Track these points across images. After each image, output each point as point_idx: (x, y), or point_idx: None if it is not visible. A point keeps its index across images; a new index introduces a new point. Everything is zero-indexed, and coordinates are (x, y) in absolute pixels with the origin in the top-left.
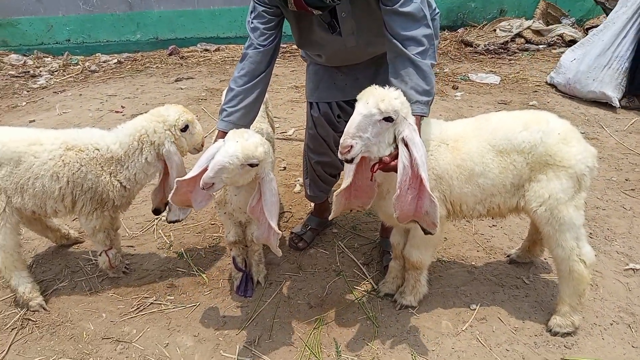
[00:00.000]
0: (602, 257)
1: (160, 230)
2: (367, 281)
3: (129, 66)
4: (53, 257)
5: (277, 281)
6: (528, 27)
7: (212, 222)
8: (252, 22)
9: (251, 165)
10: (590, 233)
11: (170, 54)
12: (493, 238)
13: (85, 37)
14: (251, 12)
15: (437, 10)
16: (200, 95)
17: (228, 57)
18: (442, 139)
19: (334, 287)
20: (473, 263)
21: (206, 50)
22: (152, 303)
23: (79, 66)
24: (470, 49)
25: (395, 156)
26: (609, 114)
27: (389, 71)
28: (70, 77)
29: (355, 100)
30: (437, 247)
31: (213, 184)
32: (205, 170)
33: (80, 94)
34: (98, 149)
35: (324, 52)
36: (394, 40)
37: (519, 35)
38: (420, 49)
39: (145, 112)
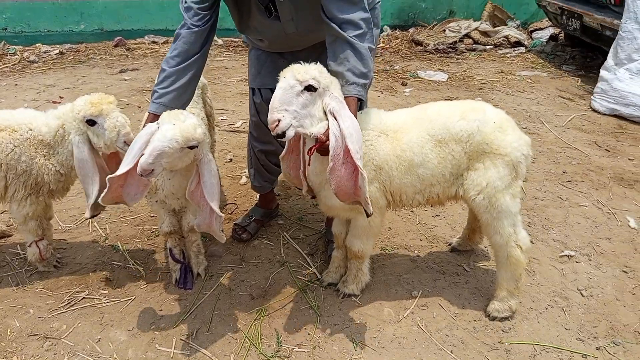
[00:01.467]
0: (539, 244)
1: (95, 223)
2: (312, 271)
3: (71, 57)
4: None
5: (218, 273)
6: (476, 29)
7: (152, 215)
8: (185, 2)
9: (190, 147)
10: (529, 222)
11: (116, 45)
12: (436, 227)
13: (24, 26)
14: None
15: (378, 0)
16: (144, 87)
17: None
18: (382, 130)
19: (278, 277)
20: (416, 252)
21: (154, 42)
22: (84, 297)
23: (16, 56)
24: (421, 48)
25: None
26: (549, 110)
27: (328, 55)
28: (7, 67)
29: None
30: (378, 236)
31: (152, 170)
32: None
33: (16, 84)
34: (31, 129)
35: (265, 37)
36: (332, 24)
37: (467, 36)
38: (358, 31)
39: None
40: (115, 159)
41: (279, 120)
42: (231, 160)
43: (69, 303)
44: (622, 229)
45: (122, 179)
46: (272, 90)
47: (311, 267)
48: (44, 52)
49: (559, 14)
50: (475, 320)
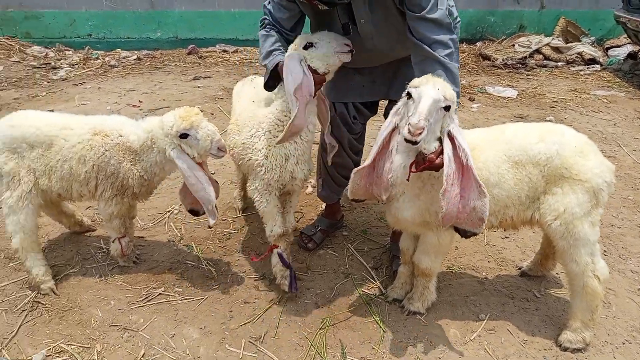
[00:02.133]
0: (616, 275)
1: (171, 223)
2: (376, 285)
3: (148, 63)
4: (65, 243)
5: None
6: (547, 44)
7: (223, 218)
8: (269, 15)
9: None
10: (605, 251)
11: (189, 53)
12: (505, 250)
13: (107, 32)
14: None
15: (458, 19)
16: (217, 94)
17: (246, 59)
18: None
19: (342, 289)
20: (484, 274)
21: (225, 51)
22: (160, 294)
23: (99, 60)
24: (488, 62)
25: (439, 153)
26: (627, 132)
27: (416, 74)
28: (90, 70)
29: (372, 102)
30: (447, 255)
31: (424, 128)
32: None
33: (99, 87)
34: (121, 135)
35: None
36: (422, 44)
37: (537, 51)
38: (448, 51)
39: (165, 107)
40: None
41: (423, 129)
42: None
43: (146, 298)
44: None
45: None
46: (346, 105)
47: (375, 281)
48: (123, 58)
49: None
50: (545, 350)
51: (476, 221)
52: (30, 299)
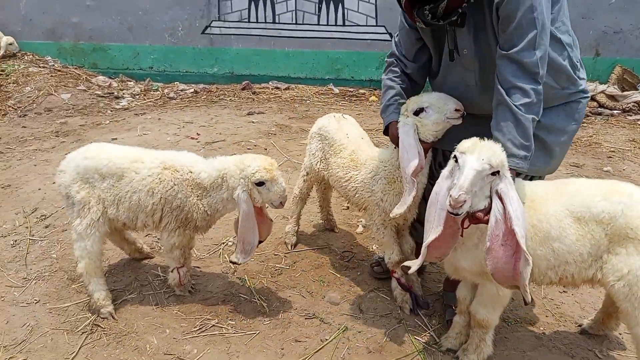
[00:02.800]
0: None
1: (226, 255)
2: (428, 333)
3: (204, 96)
4: (124, 269)
5: (337, 322)
6: (602, 92)
7: (275, 253)
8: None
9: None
10: None
11: (243, 89)
12: (563, 305)
13: (167, 66)
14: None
15: (586, 95)
16: (270, 130)
17: (297, 96)
18: (520, 197)
19: (394, 334)
20: (541, 329)
21: (277, 88)
22: (213, 325)
23: (158, 92)
24: None
25: (488, 211)
26: None
27: (492, 120)
28: (150, 101)
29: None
30: (506, 306)
31: (465, 201)
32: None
33: (159, 118)
34: (191, 172)
35: (446, 89)
36: (500, 87)
37: (592, 99)
38: (526, 100)
39: (221, 141)
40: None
41: (465, 202)
42: (347, 208)
43: (200, 328)
44: None
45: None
46: (435, 151)
47: (429, 329)
48: (181, 90)
49: None
50: None
51: (523, 286)
52: (91, 321)
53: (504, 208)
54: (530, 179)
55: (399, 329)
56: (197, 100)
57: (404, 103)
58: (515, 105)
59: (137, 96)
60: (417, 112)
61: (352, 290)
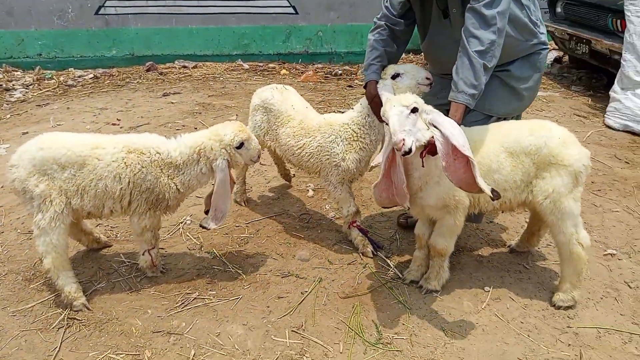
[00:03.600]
0: None
1: (187, 233)
2: (392, 270)
3: (107, 81)
4: (84, 261)
5: (311, 275)
6: None
7: (237, 225)
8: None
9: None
10: None
11: (148, 70)
12: (492, 232)
13: (58, 51)
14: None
15: (546, 47)
16: (193, 109)
17: (208, 74)
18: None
19: (363, 277)
20: (479, 253)
21: (184, 67)
22: (195, 298)
23: (53, 80)
24: None
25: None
26: (568, 127)
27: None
28: (48, 91)
29: (447, 105)
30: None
31: (404, 139)
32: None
33: (68, 107)
34: (159, 153)
35: (437, 48)
36: (462, 35)
37: None
38: (480, 48)
39: (145, 124)
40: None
41: (404, 139)
42: (294, 175)
43: (183, 303)
44: None
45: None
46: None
47: (391, 267)
48: (79, 77)
49: (567, 39)
50: (543, 310)
51: (480, 186)
52: (65, 316)
53: (441, 132)
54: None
55: (365, 272)
56: (101, 86)
57: (385, 65)
58: (470, 51)
59: (31, 86)
60: (394, 77)
61: (318, 246)
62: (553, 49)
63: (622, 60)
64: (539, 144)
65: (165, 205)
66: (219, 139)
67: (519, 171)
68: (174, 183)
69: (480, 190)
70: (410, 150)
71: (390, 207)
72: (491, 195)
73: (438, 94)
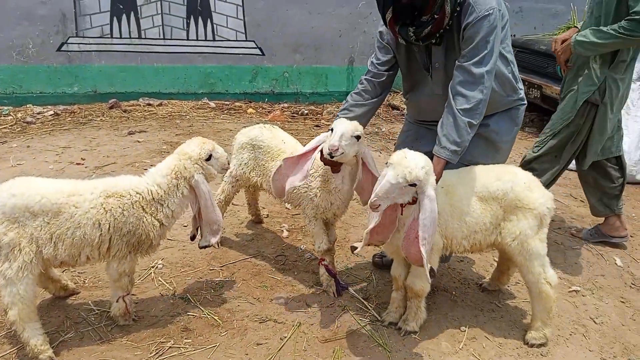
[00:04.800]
0: None
1: (159, 278)
2: (370, 313)
3: (69, 118)
4: (50, 310)
5: (289, 320)
6: None
7: (211, 268)
8: (371, 61)
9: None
10: None
11: (111, 107)
12: (463, 271)
13: (16, 87)
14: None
15: (524, 102)
16: (161, 148)
17: (175, 112)
18: (442, 185)
19: (342, 321)
20: (453, 292)
21: (149, 104)
22: (170, 347)
23: (10, 117)
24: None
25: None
26: None
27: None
28: (5, 127)
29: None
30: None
31: (379, 205)
32: (310, 151)
33: (28, 146)
34: (139, 193)
35: (418, 99)
36: (450, 92)
37: None
38: (466, 106)
39: (112, 164)
40: None
41: (380, 205)
42: (267, 215)
43: (157, 353)
44: (611, 267)
45: (293, 165)
46: None
47: (369, 310)
48: (38, 113)
49: None
50: (517, 348)
51: (426, 273)
52: None
53: (418, 213)
54: None
55: (344, 315)
56: (62, 123)
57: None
58: (456, 109)
59: None
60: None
61: (295, 289)
62: None
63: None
64: (505, 188)
65: (149, 245)
66: (188, 156)
67: (488, 214)
68: (158, 219)
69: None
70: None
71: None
72: (428, 274)
73: (412, 143)
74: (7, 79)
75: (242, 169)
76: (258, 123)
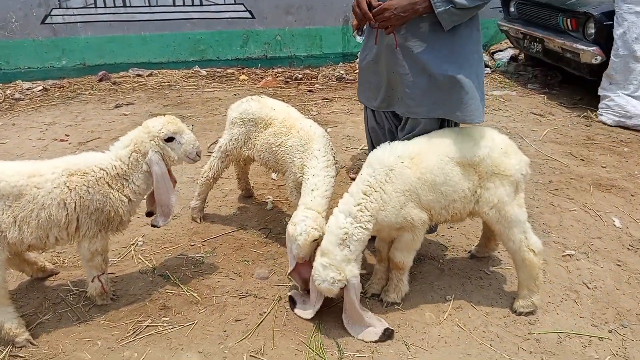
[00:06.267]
0: (543, 247)
1: (139, 255)
2: None
3: (58, 93)
4: (28, 291)
5: (270, 294)
6: None
7: (192, 244)
8: None
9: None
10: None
11: (100, 80)
12: (452, 238)
13: (3, 63)
14: None
15: None
16: None
17: (164, 82)
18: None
19: None
20: (440, 260)
21: (139, 75)
22: (148, 326)
23: None
24: None
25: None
26: (525, 126)
27: None
28: None
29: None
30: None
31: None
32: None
33: (14, 124)
34: (103, 169)
35: None
36: None
37: None
38: None
39: (96, 139)
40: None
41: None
42: (252, 187)
43: (134, 332)
44: (609, 228)
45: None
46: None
47: None
48: (27, 89)
49: (521, 38)
50: (505, 317)
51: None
52: (6, 353)
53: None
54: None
55: None
56: (51, 98)
57: None
58: None
59: None
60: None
61: (277, 262)
62: (509, 47)
63: (612, 57)
64: (482, 154)
65: (119, 221)
66: (147, 130)
67: (466, 181)
68: (126, 194)
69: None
70: None
71: None
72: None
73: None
74: None
75: (233, 144)
76: (249, 90)
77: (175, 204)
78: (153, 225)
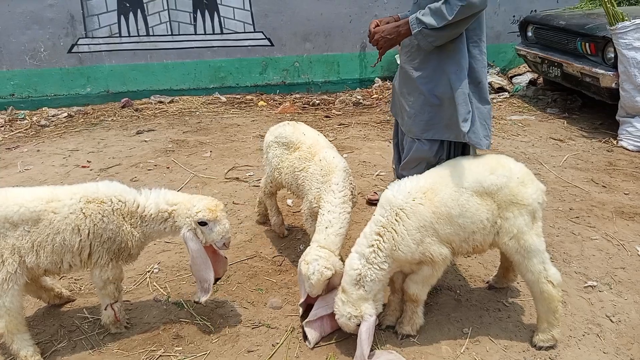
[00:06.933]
0: (564, 277)
1: (154, 283)
2: None
3: (82, 120)
4: (45, 318)
5: (283, 325)
6: None
7: None
8: None
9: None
10: (551, 257)
11: (123, 107)
12: (470, 267)
13: (31, 91)
14: None
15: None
16: (167, 147)
17: (185, 108)
18: (409, 196)
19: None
20: (457, 291)
21: (160, 102)
22: (160, 355)
23: (26, 121)
24: None
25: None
26: (545, 151)
27: None
28: (20, 132)
29: None
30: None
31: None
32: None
33: (38, 150)
34: (121, 201)
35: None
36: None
37: None
38: (438, 3)
39: (116, 165)
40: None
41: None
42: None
43: None
44: (632, 258)
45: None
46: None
47: None
48: (53, 116)
49: (539, 62)
50: (524, 351)
51: None
52: None
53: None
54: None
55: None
56: (75, 125)
57: None
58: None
59: (2, 128)
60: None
61: (291, 292)
62: (527, 72)
63: (620, 90)
64: (499, 183)
65: (128, 254)
66: (188, 207)
67: (484, 211)
68: (136, 232)
69: None
70: None
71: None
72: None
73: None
74: (22, 83)
75: (268, 168)
76: (267, 116)
77: (212, 280)
78: (195, 302)
